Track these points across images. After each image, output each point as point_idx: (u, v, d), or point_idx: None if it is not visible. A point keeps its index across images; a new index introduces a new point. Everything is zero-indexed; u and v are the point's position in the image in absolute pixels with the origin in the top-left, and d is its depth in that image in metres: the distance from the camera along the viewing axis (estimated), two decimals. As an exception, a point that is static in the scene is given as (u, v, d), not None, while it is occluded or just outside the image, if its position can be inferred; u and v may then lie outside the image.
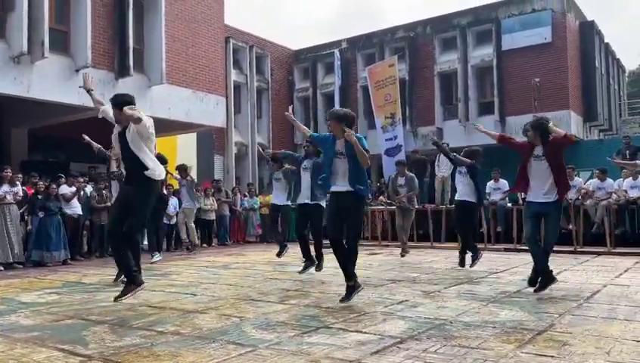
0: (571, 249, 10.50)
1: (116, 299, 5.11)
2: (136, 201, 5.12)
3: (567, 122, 16.94)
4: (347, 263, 5.22)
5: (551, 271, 5.72)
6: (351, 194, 5.16)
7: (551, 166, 5.56)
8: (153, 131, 5.15)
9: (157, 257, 8.76)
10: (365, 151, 5.07)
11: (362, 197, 5.28)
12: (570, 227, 10.99)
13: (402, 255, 9.50)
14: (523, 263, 8.71)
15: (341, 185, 5.18)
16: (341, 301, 5.11)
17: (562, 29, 17.22)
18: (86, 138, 7.04)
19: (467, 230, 8.03)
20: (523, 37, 17.57)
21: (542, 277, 5.65)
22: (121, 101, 5.14)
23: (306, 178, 7.35)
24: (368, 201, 14.77)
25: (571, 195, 11.57)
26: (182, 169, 11.15)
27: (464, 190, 7.93)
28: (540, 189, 5.63)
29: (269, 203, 9.51)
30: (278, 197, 8.31)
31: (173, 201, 11.64)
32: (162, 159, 8.67)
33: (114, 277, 6.83)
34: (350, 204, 5.17)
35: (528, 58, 17.53)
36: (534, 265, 5.80)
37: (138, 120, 4.90)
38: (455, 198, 8.19)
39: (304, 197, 7.34)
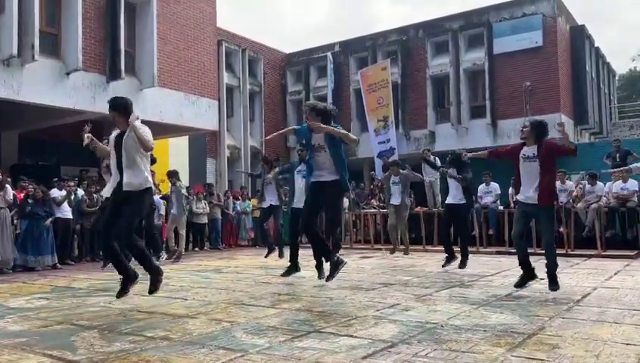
0: (562, 251, 10.54)
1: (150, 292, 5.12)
2: (127, 209, 4.93)
3: (558, 126, 17.05)
4: (327, 246, 5.26)
5: (533, 269, 5.81)
6: (337, 183, 5.16)
7: (541, 168, 5.58)
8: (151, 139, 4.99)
9: (163, 257, 8.74)
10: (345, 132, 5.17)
11: (344, 186, 5.26)
12: (561, 229, 11.05)
13: (391, 252, 9.61)
14: (514, 266, 8.72)
15: (326, 175, 5.16)
16: (327, 279, 5.15)
17: (553, 34, 17.35)
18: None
19: (460, 230, 8.12)
20: (514, 41, 17.70)
21: (549, 270, 5.66)
22: (122, 105, 5.01)
23: (300, 182, 7.33)
24: (360, 204, 14.84)
25: (562, 198, 11.65)
26: (172, 175, 10.81)
27: (454, 193, 8.01)
28: (528, 190, 5.66)
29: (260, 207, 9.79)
30: (270, 199, 8.94)
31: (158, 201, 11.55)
32: (151, 160, 8.65)
33: (104, 279, 6.79)
34: (333, 192, 5.16)
35: (519, 62, 17.65)
36: (519, 263, 5.86)
37: (150, 147, 4.87)
38: (446, 201, 8.26)
39: (299, 201, 7.19)
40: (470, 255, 8.34)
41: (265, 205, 9.31)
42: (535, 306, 5.18)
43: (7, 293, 6.68)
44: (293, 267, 7.36)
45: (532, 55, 17.49)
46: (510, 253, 10.99)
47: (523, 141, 5.77)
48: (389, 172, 10.16)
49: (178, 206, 10.54)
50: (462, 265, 7.88)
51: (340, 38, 23.28)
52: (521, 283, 5.73)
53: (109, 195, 5.14)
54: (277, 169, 8.91)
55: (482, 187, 12.77)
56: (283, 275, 7.25)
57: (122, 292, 5.06)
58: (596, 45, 21.24)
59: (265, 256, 9.49)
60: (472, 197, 8.51)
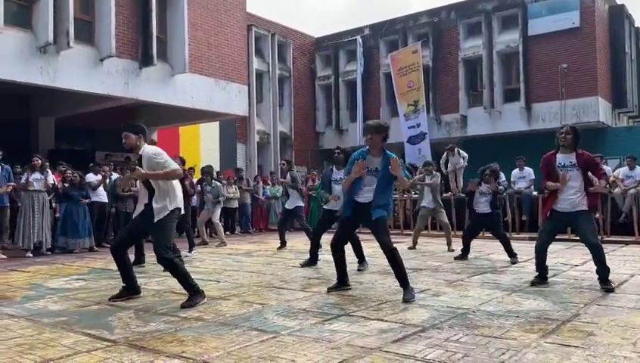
0: (598, 238, 10.32)
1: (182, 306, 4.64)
2: (154, 226, 4.80)
3: (595, 109, 16.56)
4: (397, 273, 5.01)
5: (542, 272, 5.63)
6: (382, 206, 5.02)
7: (583, 175, 5.29)
8: (166, 159, 4.79)
9: (194, 253, 8.69)
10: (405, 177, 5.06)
11: (384, 215, 5.06)
12: (597, 216, 10.78)
13: (410, 248, 9.53)
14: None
15: (367, 197, 5.01)
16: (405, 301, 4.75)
17: (591, 14, 16.77)
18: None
19: (499, 237, 7.99)
20: (550, 22, 17.16)
21: (601, 275, 5.32)
22: (131, 129, 4.89)
23: (337, 189, 7.00)
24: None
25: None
26: (207, 172, 10.65)
27: (484, 207, 7.92)
28: (569, 197, 5.31)
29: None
30: (296, 201, 9.37)
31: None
32: (181, 161, 8.84)
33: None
34: (371, 217, 5.05)
35: (555, 43, 17.13)
36: (538, 269, 5.63)
37: (176, 175, 4.81)
38: (476, 210, 8.08)
39: (335, 205, 7.09)
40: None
41: (291, 206, 9.38)
42: (570, 293, 5.10)
43: (46, 274, 6.92)
44: (314, 259, 7.35)
45: (569, 36, 16.94)
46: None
47: (557, 148, 5.42)
48: (424, 172, 9.99)
49: (213, 202, 10.59)
50: (514, 260, 7.60)
51: (370, 21, 22.93)
52: (536, 283, 5.56)
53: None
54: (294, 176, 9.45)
55: (515, 172, 12.54)
56: (302, 265, 7.26)
57: (118, 296, 4.95)
58: (636, 25, 20.45)
59: (279, 248, 9.65)
60: (497, 205, 8.34)
